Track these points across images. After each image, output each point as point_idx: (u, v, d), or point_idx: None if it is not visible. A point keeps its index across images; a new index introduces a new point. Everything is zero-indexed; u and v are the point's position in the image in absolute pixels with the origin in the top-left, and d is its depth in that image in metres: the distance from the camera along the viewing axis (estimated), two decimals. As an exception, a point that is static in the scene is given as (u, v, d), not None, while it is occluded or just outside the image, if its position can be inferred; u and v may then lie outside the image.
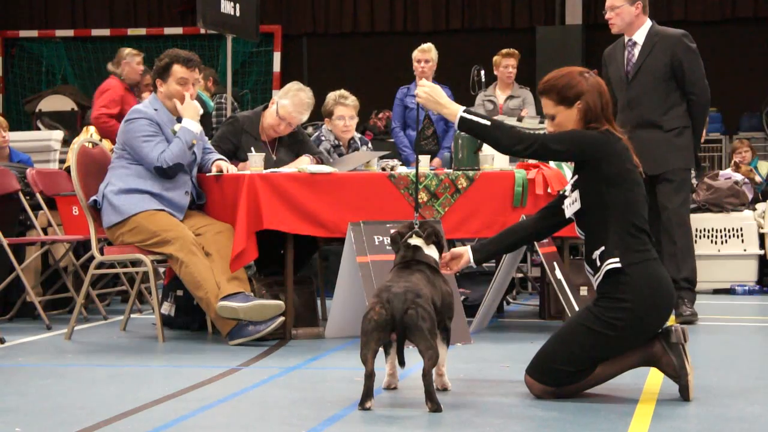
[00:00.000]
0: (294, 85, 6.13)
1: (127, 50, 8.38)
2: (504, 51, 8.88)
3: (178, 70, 5.65)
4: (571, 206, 4.01)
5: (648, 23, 6.24)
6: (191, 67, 5.66)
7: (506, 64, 8.80)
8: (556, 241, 5.91)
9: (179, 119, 5.72)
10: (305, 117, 6.13)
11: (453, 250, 4.20)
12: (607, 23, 6.35)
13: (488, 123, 3.97)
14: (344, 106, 6.56)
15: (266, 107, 6.17)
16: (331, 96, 6.64)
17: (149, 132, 5.56)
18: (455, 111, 4.00)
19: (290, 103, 6.01)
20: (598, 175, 3.92)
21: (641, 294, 3.84)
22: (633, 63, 6.21)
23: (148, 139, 5.55)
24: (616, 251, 3.86)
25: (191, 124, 5.61)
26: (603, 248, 3.90)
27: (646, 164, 6.12)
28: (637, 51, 6.20)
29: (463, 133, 5.37)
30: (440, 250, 4.13)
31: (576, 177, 4.01)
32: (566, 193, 4.07)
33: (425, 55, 8.39)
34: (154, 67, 5.79)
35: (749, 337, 6.09)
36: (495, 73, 8.89)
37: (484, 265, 6.92)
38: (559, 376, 3.90)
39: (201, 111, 5.71)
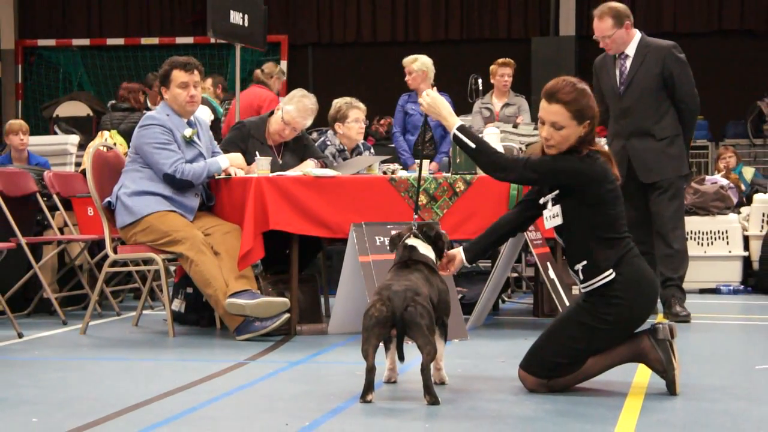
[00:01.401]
0: (298, 92, 6.14)
1: (279, 68, 8.95)
2: (500, 60, 8.88)
3: (177, 75, 5.66)
4: (551, 219, 3.98)
5: (637, 35, 6.24)
6: (189, 70, 5.68)
7: (502, 73, 8.80)
8: (549, 242, 5.91)
9: (189, 123, 5.74)
10: (309, 122, 6.14)
11: (447, 252, 4.20)
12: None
13: (473, 146, 3.99)
14: (358, 109, 6.61)
15: (272, 113, 6.18)
16: (342, 102, 6.65)
17: (162, 140, 5.57)
18: (452, 125, 4.05)
19: (294, 108, 6.02)
20: (579, 199, 3.90)
21: (629, 288, 3.85)
22: (626, 74, 6.21)
23: (161, 147, 5.55)
24: (605, 264, 3.85)
25: (224, 161, 5.66)
26: (585, 262, 3.90)
27: (640, 172, 6.17)
28: (629, 63, 6.20)
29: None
30: (439, 250, 4.12)
31: (557, 193, 3.97)
32: (545, 202, 4.01)
33: (407, 67, 8.41)
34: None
35: (734, 335, 6.08)
36: (492, 81, 8.89)
37: (481, 265, 6.94)
38: (552, 368, 3.90)
39: (242, 163, 5.78)
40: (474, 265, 5.31)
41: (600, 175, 3.89)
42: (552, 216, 3.97)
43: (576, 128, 3.89)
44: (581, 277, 3.92)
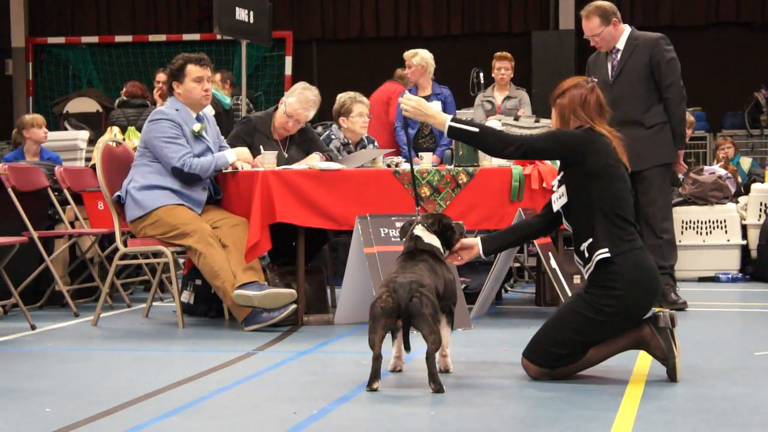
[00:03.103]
0: (300, 85, 6.13)
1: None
2: (498, 54, 8.85)
3: (192, 69, 5.65)
4: (558, 200, 4.01)
5: (627, 30, 6.24)
6: (203, 65, 5.69)
7: (499, 66, 8.78)
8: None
9: (198, 118, 5.73)
10: (312, 114, 6.12)
11: (463, 240, 4.18)
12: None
13: (477, 130, 3.98)
14: (362, 103, 6.58)
15: (277, 108, 6.17)
16: (346, 96, 6.61)
17: (171, 134, 5.56)
18: (443, 120, 4.02)
19: (296, 101, 6.01)
20: (581, 170, 3.92)
21: (630, 282, 3.84)
22: (616, 67, 6.22)
23: (170, 141, 5.55)
24: (605, 242, 3.86)
25: (231, 155, 5.65)
26: (591, 240, 3.89)
27: (630, 160, 6.14)
28: (619, 56, 6.22)
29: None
30: (447, 240, 4.10)
31: (562, 173, 4.01)
32: (553, 189, 4.07)
33: (407, 61, 8.37)
34: (168, 75, 5.79)
35: (732, 322, 6.08)
36: (492, 75, 8.87)
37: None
38: (554, 358, 3.90)
39: (250, 159, 5.75)
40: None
41: (601, 147, 3.94)
42: (558, 197, 4.00)
43: (553, 110, 4.11)
44: (586, 255, 3.90)
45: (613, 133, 4.03)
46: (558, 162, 5.95)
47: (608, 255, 3.84)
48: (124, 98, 8.85)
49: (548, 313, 4.90)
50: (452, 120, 4.00)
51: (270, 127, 6.11)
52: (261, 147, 5.88)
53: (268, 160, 5.64)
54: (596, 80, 4.20)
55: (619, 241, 3.86)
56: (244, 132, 6.07)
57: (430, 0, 14.09)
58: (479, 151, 5.90)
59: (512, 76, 8.87)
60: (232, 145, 5.95)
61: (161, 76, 8.70)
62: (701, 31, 13.23)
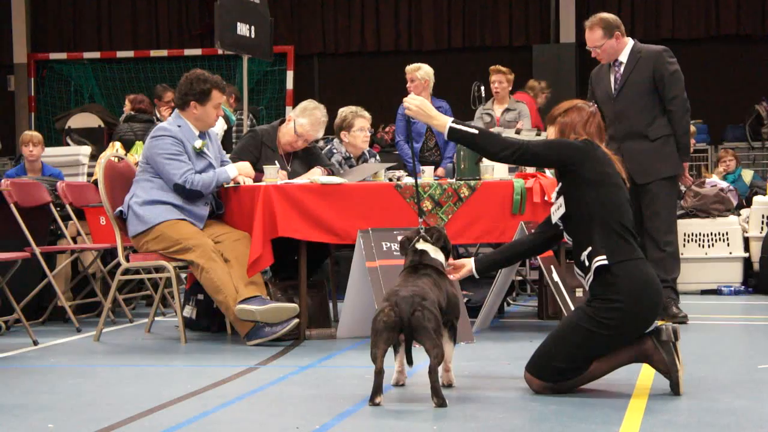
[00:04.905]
0: (310, 104, 6.13)
1: (544, 83, 9.69)
2: (492, 67, 8.88)
3: (217, 96, 5.67)
4: (556, 212, 4.03)
5: (630, 42, 6.24)
6: (225, 93, 5.83)
7: (493, 79, 8.80)
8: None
9: (201, 135, 5.74)
10: (321, 134, 6.17)
11: (456, 261, 4.21)
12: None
13: (476, 132, 4.01)
14: (364, 118, 6.59)
15: (282, 122, 6.19)
16: (348, 111, 6.62)
17: (173, 151, 5.57)
18: (444, 122, 4.04)
19: (308, 122, 6.03)
20: (579, 178, 3.94)
21: (631, 294, 3.84)
22: (620, 80, 6.23)
23: (172, 158, 5.55)
24: (603, 249, 3.86)
25: (232, 170, 5.66)
26: (590, 249, 3.89)
27: (635, 173, 6.15)
28: (622, 69, 6.22)
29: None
30: (446, 254, 4.13)
31: (560, 184, 4.02)
32: (553, 201, 4.08)
33: (409, 74, 8.38)
34: (185, 89, 5.62)
35: (735, 335, 6.07)
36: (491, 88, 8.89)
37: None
38: (556, 372, 3.89)
39: (251, 171, 5.76)
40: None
41: (599, 156, 3.96)
42: (557, 208, 4.01)
43: (550, 128, 4.14)
44: (586, 264, 3.90)
45: (612, 154, 4.06)
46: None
47: (606, 262, 3.84)
48: (132, 113, 8.86)
49: (551, 326, 4.90)
50: (453, 122, 4.02)
51: (275, 140, 6.13)
52: (276, 162, 5.89)
53: (269, 175, 5.65)
54: (596, 104, 4.24)
55: (617, 250, 3.86)
56: (252, 145, 6.10)
57: (431, 14, 14.14)
58: (480, 165, 5.91)
59: (509, 89, 8.89)
60: (240, 158, 5.96)
61: (169, 96, 8.74)
62: (702, 44, 13.26)
